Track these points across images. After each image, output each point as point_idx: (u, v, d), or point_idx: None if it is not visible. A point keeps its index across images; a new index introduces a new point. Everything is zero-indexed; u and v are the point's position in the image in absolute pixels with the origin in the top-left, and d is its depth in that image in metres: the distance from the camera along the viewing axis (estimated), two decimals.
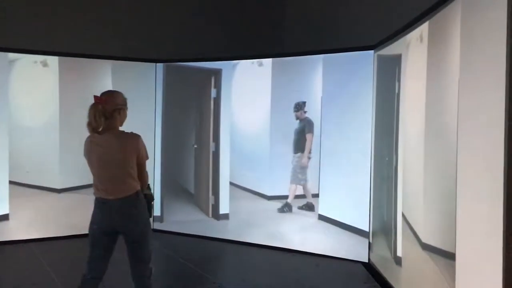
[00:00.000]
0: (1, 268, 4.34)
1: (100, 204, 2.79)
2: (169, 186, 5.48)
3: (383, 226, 4.10)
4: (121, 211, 2.75)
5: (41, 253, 4.62)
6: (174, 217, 5.43)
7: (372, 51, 4.34)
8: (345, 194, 4.58)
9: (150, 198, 2.92)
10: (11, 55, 4.92)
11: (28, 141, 5.06)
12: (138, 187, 2.81)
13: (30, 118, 5.09)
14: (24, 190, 5.05)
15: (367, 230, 4.43)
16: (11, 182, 4.94)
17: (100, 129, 2.75)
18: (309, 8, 6.28)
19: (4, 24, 5.13)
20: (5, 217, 4.91)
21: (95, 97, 2.77)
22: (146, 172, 2.91)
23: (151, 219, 2.94)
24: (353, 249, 4.53)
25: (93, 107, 2.73)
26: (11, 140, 4.93)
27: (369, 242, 4.40)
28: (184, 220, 5.37)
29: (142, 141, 2.83)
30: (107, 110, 2.75)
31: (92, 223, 2.82)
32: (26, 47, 4.97)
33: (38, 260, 4.46)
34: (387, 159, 3.94)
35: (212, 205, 5.37)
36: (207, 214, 5.39)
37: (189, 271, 4.27)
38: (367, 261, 4.42)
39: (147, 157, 2.88)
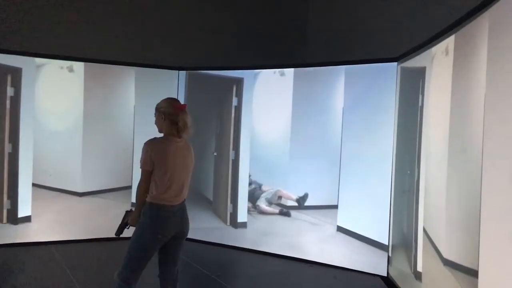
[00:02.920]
0: (22, 270, 4.41)
1: (174, 210, 2.80)
2: (188, 193, 5.49)
3: (403, 240, 4.05)
4: (185, 214, 2.91)
5: (61, 256, 4.68)
6: (192, 224, 5.42)
7: (395, 63, 4.32)
8: (365, 206, 4.54)
9: None
10: (38, 60, 5.03)
11: (52, 144, 5.15)
12: None
13: (54, 122, 5.19)
14: (47, 192, 5.14)
15: (386, 243, 4.38)
16: (34, 185, 5.03)
17: (174, 135, 2.82)
18: (332, 18, 6.29)
19: (32, 30, 5.25)
20: (27, 219, 5.00)
21: (183, 104, 2.86)
22: None
23: None
24: (371, 262, 4.48)
25: (186, 113, 2.81)
26: (36, 144, 5.03)
27: (388, 256, 4.35)
28: (202, 227, 5.39)
29: None
30: (181, 117, 2.82)
31: (155, 232, 2.75)
32: (53, 53, 5.09)
33: (59, 262, 4.51)
34: (408, 172, 3.90)
35: (230, 213, 5.37)
36: (225, 222, 5.40)
37: (206, 279, 4.27)
38: (385, 274, 4.36)
39: None
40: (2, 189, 4.87)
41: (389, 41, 4.91)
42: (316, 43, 6.45)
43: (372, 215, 4.49)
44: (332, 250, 4.73)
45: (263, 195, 5.21)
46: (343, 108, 4.72)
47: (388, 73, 4.37)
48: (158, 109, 2.87)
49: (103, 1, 5.69)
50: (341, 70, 4.73)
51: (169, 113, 2.80)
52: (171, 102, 2.85)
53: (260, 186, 5.24)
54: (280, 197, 5.12)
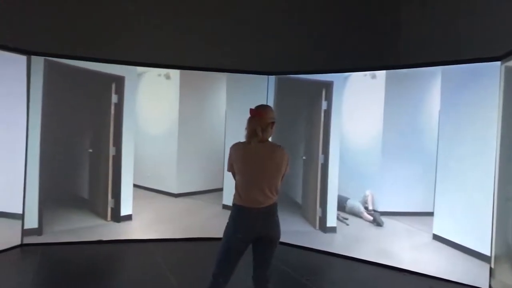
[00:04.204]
0: (123, 265, 4.72)
1: (250, 213, 2.85)
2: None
3: (508, 251, 3.78)
4: (268, 218, 2.89)
5: (159, 253, 4.94)
6: (281, 227, 5.48)
7: (499, 62, 4.05)
8: (463, 214, 4.31)
9: None
10: (139, 69, 5.38)
11: (150, 148, 5.48)
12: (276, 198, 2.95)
13: (152, 126, 5.51)
14: (145, 193, 5.47)
15: (488, 253, 4.11)
16: (134, 185, 5.38)
17: (255, 139, 2.88)
18: (425, 16, 6.03)
19: (133, 40, 5.62)
20: (129, 217, 5.34)
21: (251, 110, 2.92)
22: None
23: None
24: (471, 274, 4.23)
25: (252, 120, 2.89)
26: (136, 147, 5.37)
27: (491, 267, 4.08)
28: (291, 230, 5.41)
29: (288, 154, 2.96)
30: (263, 123, 2.89)
31: (236, 231, 2.86)
32: (151, 61, 5.41)
33: (156, 258, 4.77)
34: None
35: (319, 217, 5.35)
36: (314, 226, 5.38)
37: (295, 282, 4.28)
38: (487, 287, 4.10)
39: (289, 170, 3.02)
40: (107, 188, 5.26)
41: (490, 39, 4.62)
42: (409, 43, 6.22)
43: (472, 223, 4.24)
44: (427, 259, 4.53)
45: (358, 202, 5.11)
46: (439, 111, 4.51)
47: (490, 74, 4.11)
48: None
49: (196, 12, 5.95)
50: (438, 72, 4.53)
51: (248, 119, 2.92)
52: (251, 109, 2.94)
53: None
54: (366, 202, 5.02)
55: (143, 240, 5.30)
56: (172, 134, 5.56)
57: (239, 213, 2.87)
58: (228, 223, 2.92)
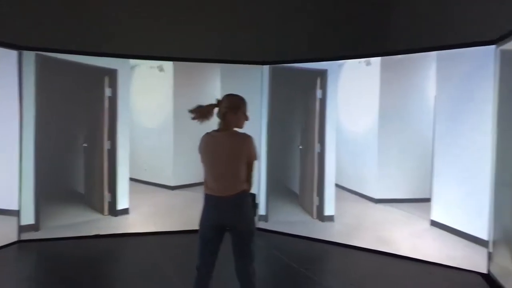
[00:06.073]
0: (121, 258, 4.71)
1: (213, 201, 2.89)
2: (274, 186, 5.55)
3: (507, 235, 3.77)
4: (232, 208, 2.85)
5: (157, 246, 4.93)
6: (278, 217, 5.50)
7: (493, 46, 4.02)
8: (461, 199, 4.30)
9: (254, 197, 3.00)
10: (132, 61, 5.33)
11: (146, 141, 5.45)
12: (245, 186, 2.90)
13: (148, 120, 5.48)
14: (142, 186, 5.45)
15: (486, 238, 4.11)
16: (131, 179, 5.35)
17: (218, 128, 2.92)
18: (420, 1, 5.97)
19: (125, 33, 5.56)
20: (125, 211, 5.33)
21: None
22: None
23: (256, 218, 3.01)
24: (470, 259, 4.23)
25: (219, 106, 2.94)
26: (132, 140, 5.34)
27: (489, 252, 4.08)
28: (288, 220, 5.41)
29: (253, 142, 2.92)
30: (220, 111, 2.91)
31: (204, 219, 2.92)
32: (144, 53, 5.36)
33: (153, 252, 4.76)
34: None
35: (317, 206, 5.34)
36: (312, 215, 5.38)
37: (294, 272, 4.28)
38: (486, 272, 4.10)
39: (256, 157, 2.96)
40: (103, 183, 5.24)
41: (485, 23, 4.58)
42: (403, 29, 6.16)
43: (469, 209, 4.24)
44: (426, 245, 4.54)
45: None
46: (435, 96, 4.49)
47: (485, 58, 4.09)
48: None
49: (188, 2, 5.89)
50: (433, 57, 4.50)
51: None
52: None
53: None
54: None
55: (141, 233, 5.29)
56: (167, 126, 5.52)
57: (207, 201, 2.91)
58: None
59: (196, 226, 2.97)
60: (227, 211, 2.85)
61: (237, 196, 2.86)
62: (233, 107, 2.92)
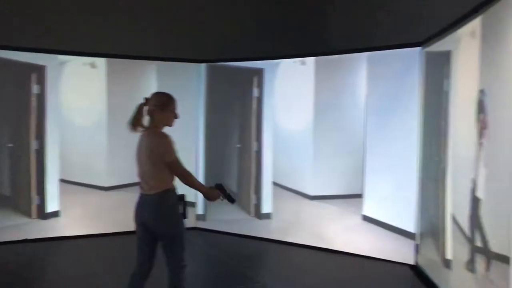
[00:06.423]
0: (52, 263, 4.50)
1: (139, 199, 2.89)
2: (212, 185, 5.50)
3: (432, 228, 3.98)
4: (149, 206, 2.81)
5: (89, 249, 4.77)
6: (216, 216, 5.48)
7: (419, 48, 4.22)
8: (391, 195, 4.49)
9: (182, 197, 2.90)
10: (62, 57, 5.10)
11: (78, 140, 5.24)
12: (166, 186, 2.80)
13: (80, 118, 5.27)
14: (74, 188, 5.23)
15: (413, 231, 4.31)
16: (62, 180, 5.12)
17: (144, 128, 2.87)
18: (352, 4, 6.16)
19: (54, 27, 5.31)
20: (56, 214, 5.10)
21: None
22: (185, 171, 2.85)
23: (185, 220, 2.91)
24: (399, 251, 4.43)
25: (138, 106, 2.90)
26: (62, 140, 5.11)
27: (416, 244, 4.29)
28: (226, 219, 5.40)
29: (168, 142, 2.78)
30: (148, 109, 2.86)
31: (134, 216, 2.91)
32: (75, 49, 5.13)
33: (86, 255, 4.60)
34: (436, 159, 3.82)
35: (255, 204, 5.38)
36: (249, 213, 5.40)
37: (232, 270, 4.29)
38: (413, 263, 4.31)
39: (172, 157, 2.78)
40: (30, 184, 4.98)
41: (412, 26, 4.80)
42: (337, 30, 6.33)
43: (398, 203, 4.43)
44: (358, 240, 4.69)
45: None
46: (366, 95, 4.65)
47: (412, 59, 4.28)
48: None
49: None
50: (364, 57, 4.66)
51: None
52: None
53: None
54: None
55: (72, 236, 5.08)
56: (101, 125, 5.34)
57: (138, 199, 2.91)
58: None
59: (129, 228, 2.90)
60: (146, 210, 2.82)
61: (155, 195, 2.78)
62: (160, 105, 2.85)
